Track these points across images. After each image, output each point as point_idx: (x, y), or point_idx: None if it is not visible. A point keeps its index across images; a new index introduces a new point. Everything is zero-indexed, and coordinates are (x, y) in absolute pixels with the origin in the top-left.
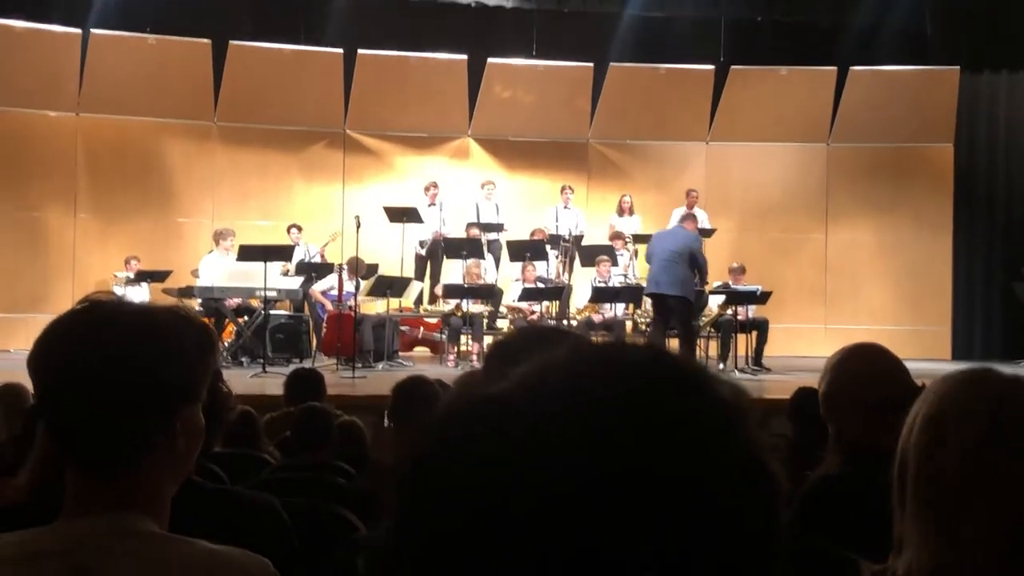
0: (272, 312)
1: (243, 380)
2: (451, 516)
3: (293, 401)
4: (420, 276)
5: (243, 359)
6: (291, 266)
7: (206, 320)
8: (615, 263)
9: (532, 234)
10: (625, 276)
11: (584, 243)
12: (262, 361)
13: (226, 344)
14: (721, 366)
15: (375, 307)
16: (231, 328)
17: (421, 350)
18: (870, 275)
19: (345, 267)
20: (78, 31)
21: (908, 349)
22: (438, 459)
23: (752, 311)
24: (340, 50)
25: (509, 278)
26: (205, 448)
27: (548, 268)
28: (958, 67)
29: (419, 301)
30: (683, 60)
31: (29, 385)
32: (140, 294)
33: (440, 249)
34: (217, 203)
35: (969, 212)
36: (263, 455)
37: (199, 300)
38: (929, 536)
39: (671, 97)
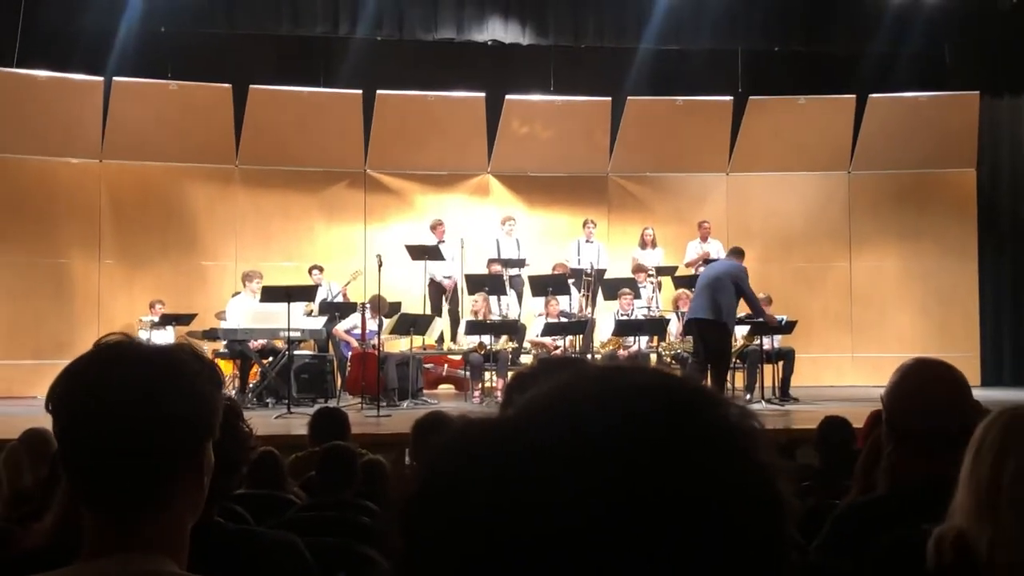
0: (296, 352)
1: (268, 421)
2: (455, 544)
3: (318, 441)
4: (436, 307)
5: (268, 400)
6: (314, 306)
7: (231, 362)
8: (638, 296)
9: (553, 268)
10: (648, 309)
11: (606, 276)
12: (287, 401)
13: (251, 385)
14: (748, 397)
15: (398, 345)
16: (256, 369)
17: (446, 387)
18: (896, 302)
19: (368, 306)
20: (100, 79)
21: None
22: (441, 486)
23: (778, 341)
24: (359, 91)
25: (532, 313)
26: (227, 489)
27: (571, 302)
28: (977, 92)
29: (441, 339)
30: (700, 92)
31: None
32: (165, 338)
33: (456, 289)
34: (240, 245)
35: (994, 236)
36: (288, 496)
37: (224, 342)
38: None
39: (690, 129)
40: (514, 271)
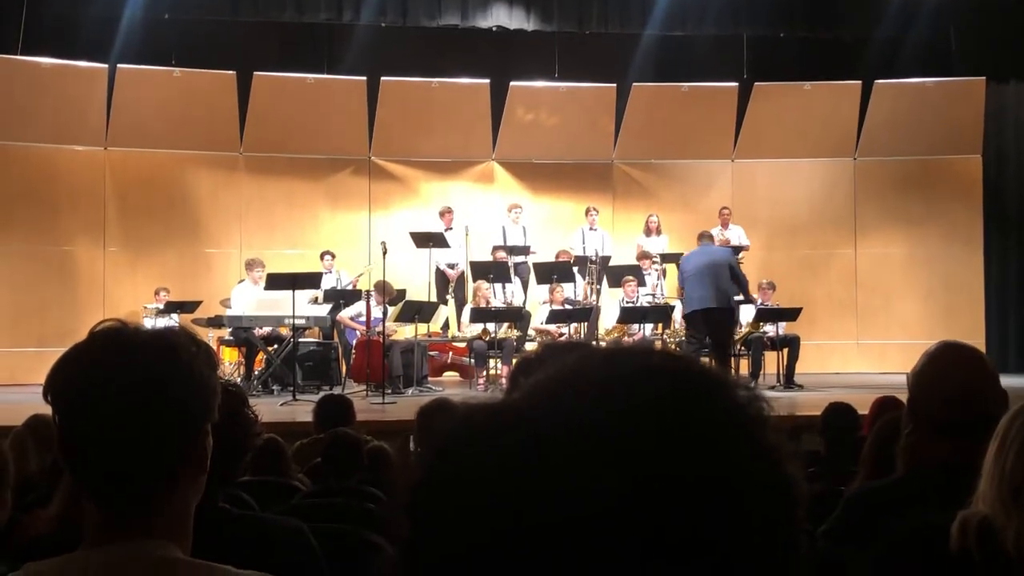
0: (301, 340)
1: (273, 408)
2: (460, 529)
3: (322, 428)
4: (442, 295)
5: (273, 387)
6: (319, 294)
7: (236, 349)
8: (642, 283)
9: (557, 256)
10: (653, 296)
11: (611, 264)
12: (292, 389)
13: (256, 372)
14: (752, 384)
15: (403, 332)
16: (261, 356)
17: (451, 375)
18: (901, 289)
19: (373, 293)
20: (104, 66)
21: None
22: (447, 472)
23: (783, 328)
24: (363, 78)
25: (536, 301)
26: (232, 475)
27: (576, 290)
28: (983, 78)
29: (446, 326)
30: (706, 78)
31: None
32: (170, 324)
33: (463, 278)
34: (245, 233)
35: (999, 223)
36: (292, 482)
37: (229, 330)
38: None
39: (695, 115)
40: (519, 258)
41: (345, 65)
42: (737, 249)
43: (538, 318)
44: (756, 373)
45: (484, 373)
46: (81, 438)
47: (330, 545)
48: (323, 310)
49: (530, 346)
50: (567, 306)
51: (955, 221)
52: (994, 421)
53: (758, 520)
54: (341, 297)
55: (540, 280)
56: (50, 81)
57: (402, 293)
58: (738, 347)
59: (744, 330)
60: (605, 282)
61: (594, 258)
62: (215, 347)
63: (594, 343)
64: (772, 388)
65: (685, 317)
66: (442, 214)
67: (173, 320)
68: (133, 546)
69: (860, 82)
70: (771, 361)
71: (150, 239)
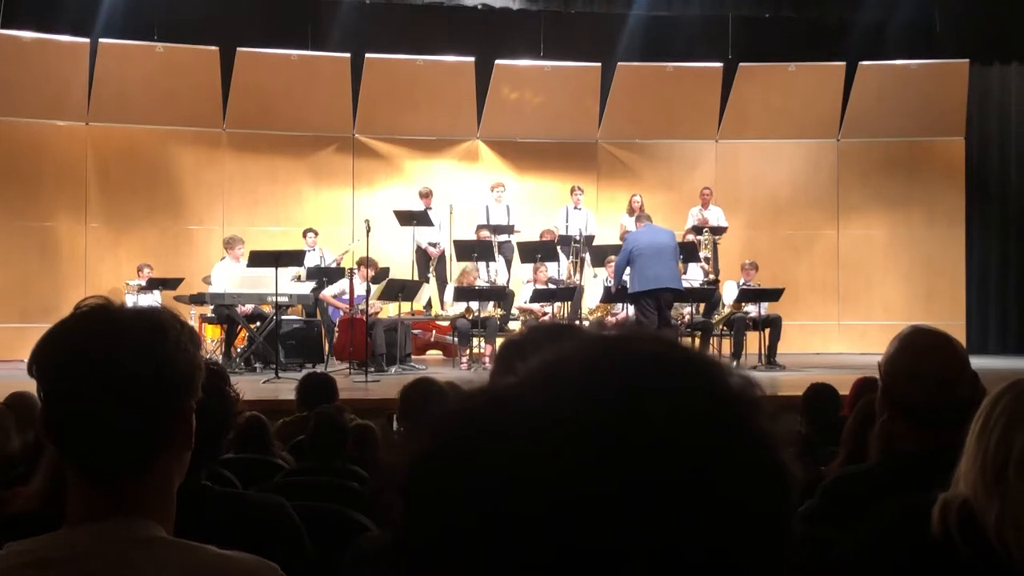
0: (284, 317)
1: (256, 386)
2: (454, 514)
3: (306, 406)
4: (423, 273)
5: (256, 365)
6: (302, 271)
7: (218, 326)
8: None
9: (541, 235)
10: None
11: (595, 243)
12: (275, 366)
13: (239, 350)
14: (734, 364)
15: (387, 311)
16: (244, 334)
17: (434, 353)
18: (883, 270)
19: (356, 271)
20: (86, 40)
21: None
22: (441, 456)
23: (765, 308)
24: (348, 55)
25: (520, 280)
26: (215, 453)
27: (559, 269)
28: (967, 60)
29: (430, 304)
30: (691, 58)
31: None
32: (152, 302)
33: (444, 257)
34: (227, 210)
35: (981, 205)
36: (275, 460)
37: (211, 307)
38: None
39: (680, 96)
40: (503, 237)
41: (330, 42)
42: (716, 230)
43: (521, 297)
44: (738, 353)
45: (467, 352)
46: (67, 414)
47: (313, 524)
48: (306, 288)
49: (513, 325)
50: (551, 285)
51: (937, 203)
52: (967, 405)
53: (752, 506)
54: (324, 275)
55: (524, 259)
56: (32, 55)
57: (385, 271)
58: (720, 327)
59: (726, 310)
60: (589, 261)
61: (578, 238)
62: (197, 324)
63: (577, 323)
64: (754, 368)
65: (635, 294)
66: (423, 196)
67: (155, 296)
68: (116, 524)
69: (844, 63)
70: (753, 341)
71: (132, 215)
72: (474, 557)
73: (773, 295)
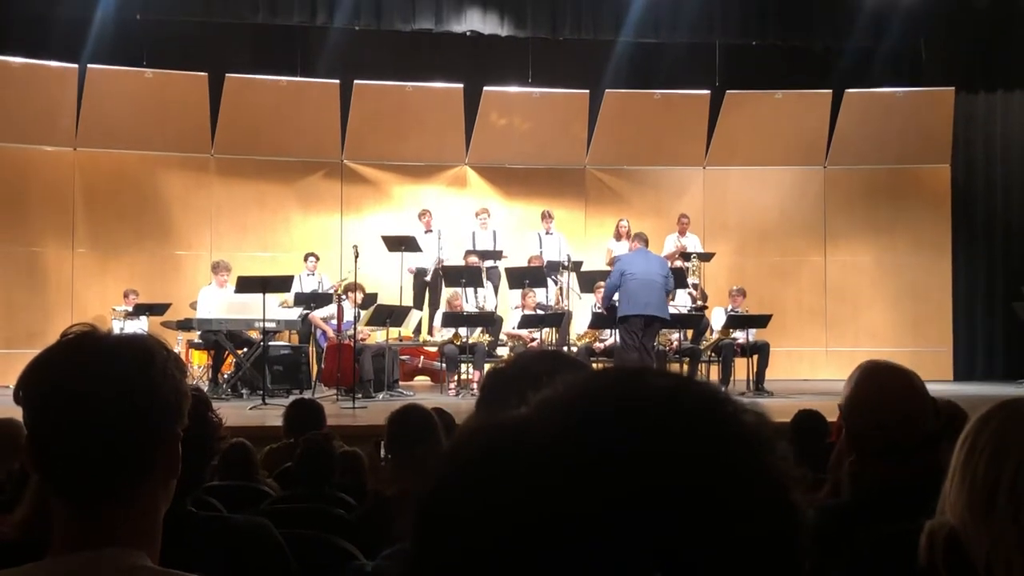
0: (272, 343)
1: (243, 412)
2: (467, 546)
3: (293, 432)
4: (419, 303)
5: (243, 391)
6: (290, 299)
7: (205, 352)
8: None
9: (529, 261)
10: None
11: (583, 269)
12: (261, 393)
13: (225, 376)
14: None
15: (375, 337)
16: (231, 360)
17: (422, 379)
18: (870, 297)
19: (345, 296)
20: (74, 66)
21: None
22: (456, 487)
23: (752, 335)
24: (337, 81)
25: (508, 305)
26: (199, 480)
27: (548, 295)
28: (953, 88)
29: (418, 330)
30: (678, 85)
31: None
32: (139, 328)
33: (439, 277)
34: (215, 235)
35: (967, 232)
36: (261, 487)
37: (198, 332)
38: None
39: (667, 122)
40: (490, 263)
41: (319, 68)
42: (703, 256)
43: (510, 323)
44: (726, 379)
45: (455, 378)
46: (54, 441)
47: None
48: (293, 313)
49: (502, 351)
50: (539, 311)
51: (924, 230)
52: (932, 437)
53: (764, 546)
54: (312, 300)
55: (512, 285)
56: (20, 80)
57: (373, 297)
58: (708, 353)
59: (714, 336)
60: (577, 287)
61: (566, 263)
62: (184, 350)
63: (565, 349)
64: (742, 394)
65: (624, 318)
66: (421, 215)
67: (142, 323)
68: (101, 554)
69: (831, 91)
70: (741, 367)
71: (120, 241)
72: None
73: (761, 321)
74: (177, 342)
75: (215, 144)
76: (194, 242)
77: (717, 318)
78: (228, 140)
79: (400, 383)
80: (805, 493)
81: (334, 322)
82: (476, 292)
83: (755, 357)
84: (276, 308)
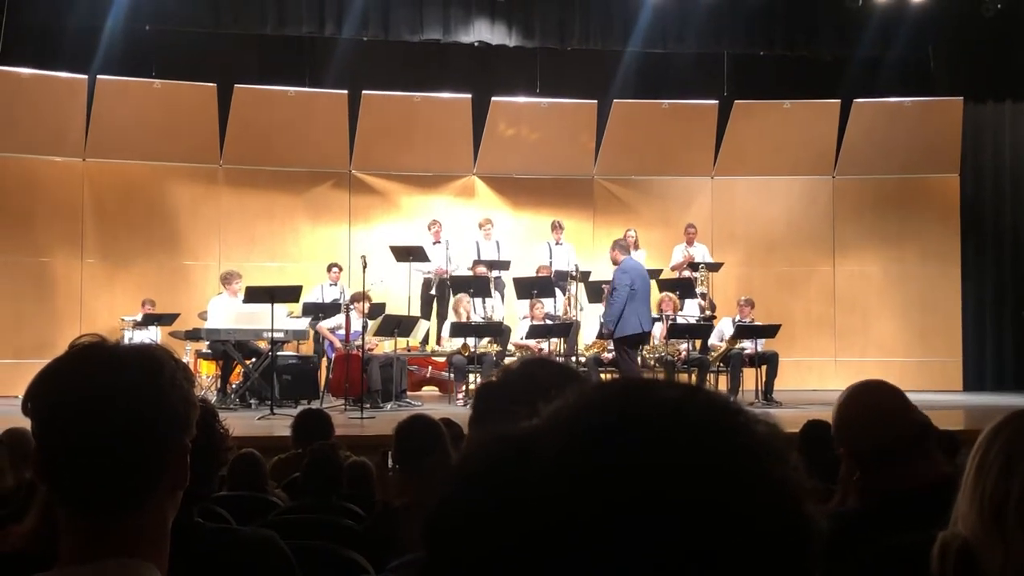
0: (280, 353)
1: (251, 422)
2: (477, 553)
3: (301, 442)
4: (427, 314)
5: (251, 401)
6: (298, 309)
7: (214, 362)
8: None
9: (538, 271)
10: None
11: (591, 279)
12: (270, 403)
13: (234, 386)
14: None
15: (383, 347)
16: (239, 370)
17: (430, 389)
18: (879, 307)
19: (353, 306)
20: (84, 77)
21: (919, 381)
22: (465, 497)
23: (761, 345)
24: (345, 91)
25: (516, 315)
26: (207, 491)
27: (556, 305)
28: (961, 98)
29: (426, 340)
30: (686, 95)
31: None
32: (149, 338)
33: (447, 287)
34: (224, 245)
35: (976, 242)
36: (270, 497)
37: (207, 343)
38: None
39: (675, 132)
40: (496, 273)
41: (327, 78)
42: (711, 266)
43: (518, 333)
44: (735, 389)
45: (464, 388)
46: (62, 452)
47: (308, 562)
48: (302, 323)
49: (510, 361)
50: (547, 321)
51: (932, 240)
52: (919, 437)
53: (776, 558)
54: (321, 311)
55: (520, 295)
56: (30, 91)
57: (381, 307)
58: (717, 364)
59: (723, 346)
60: (585, 297)
61: (575, 273)
62: (193, 360)
63: (573, 359)
64: (751, 405)
65: (628, 336)
66: (430, 226)
67: (151, 332)
68: (109, 565)
69: (839, 101)
70: (749, 377)
71: (128, 251)
72: None
73: (770, 331)
74: (185, 352)
75: (224, 155)
76: (202, 252)
77: (725, 328)
78: (237, 151)
79: (408, 393)
80: (817, 503)
81: (341, 332)
82: (484, 302)
83: (764, 367)
84: (284, 318)
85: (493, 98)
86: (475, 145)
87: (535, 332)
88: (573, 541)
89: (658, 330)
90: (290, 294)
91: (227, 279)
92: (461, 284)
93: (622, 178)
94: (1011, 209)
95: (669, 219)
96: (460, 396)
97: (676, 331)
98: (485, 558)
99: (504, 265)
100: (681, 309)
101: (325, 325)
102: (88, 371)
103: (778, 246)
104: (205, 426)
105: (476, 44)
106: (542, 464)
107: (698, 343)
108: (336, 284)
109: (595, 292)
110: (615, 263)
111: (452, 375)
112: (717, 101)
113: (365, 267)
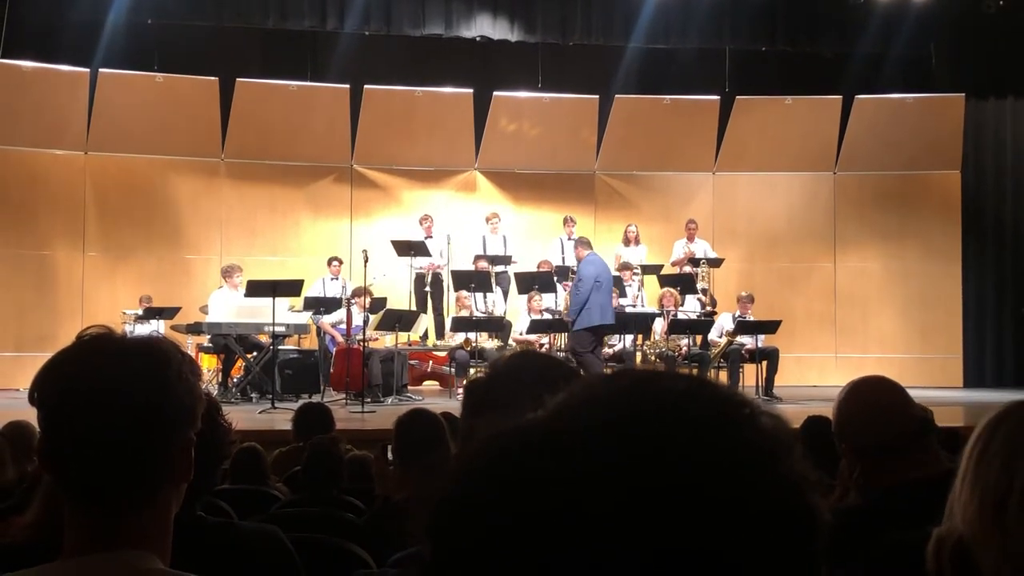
0: (281, 347)
1: (252, 416)
2: (479, 547)
3: (301, 436)
4: (421, 303)
5: (252, 395)
6: (299, 302)
7: (215, 356)
8: (623, 294)
9: (539, 266)
10: (634, 306)
11: None
12: (271, 396)
13: (235, 380)
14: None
15: (384, 341)
16: (240, 364)
17: (430, 383)
18: (879, 303)
19: (354, 302)
20: (85, 70)
21: (919, 377)
22: (470, 492)
23: (762, 340)
24: (347, 86)
25: (518, 310)
26: (210, 484)
27: (556, 300)
28: (963, 94)
29: (426, 335)
30: (688, 91)
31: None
32: (153, 331)
33: (440, 282)
34: (225, 239)
35: (977, 238)
36: (271, 491)
37: (208, 336)
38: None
39: (677, 128)
40: (500, 268)
41: (329, 72)
42: (712, 262)
43: (518, 328)
44: (734, 385)
45: (464, 382)
46: (68, 443)
47: (309, 555)
48: (303, 317)
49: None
50: (547, 315)
51: (933, 236)
52: (919, 431)
53: (783, 550)
54: (322, 304)
55: (521, 290)
56: (32, 84)
57: (382, 301)
58: (717, 359)
59: (723, 341)
60: None
61: (575, 268)
62: (194, 353)
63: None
64: None
65: (591, 328)
66: (422, 221)
67: (154, 326)
68: (113, 556)
69: (840, 97)
70: (750, 373)
71: (130, 244)
72: None
73: (770, 327)
74: (187, 346)
75: (225, 148)
76: (204, 246)
77: (725, 324)
78: (238, 144)
79: (409, 387)
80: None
81: (342, 327)
82: (485, 297)
83: (764, 363)
84: (285, 312)
85: (495, 93)
86: (477, 140)
87: (535, 327)
88: (577, 535)
89: (659, 325)
90: (292, 288)
91: (228, 273)
92: (462, 279)
93: (623, 173)
94: (1012, 206)
95: (670, 215)
96: (460, 391)
97: (677, 326)
98: (487, 552)
99: (506, 260)
100: (682, 304)
101: (326, 320)
102: (96, 362)
103: (779, 242)
104: (209, 420)
105: (478, 39)
106: (546, 458)
107: (699, 338)
108: (337, 278)
109: None
110: (579, 259)
111: (454, 369)
112: (719, 97)
113: (366, 261)
